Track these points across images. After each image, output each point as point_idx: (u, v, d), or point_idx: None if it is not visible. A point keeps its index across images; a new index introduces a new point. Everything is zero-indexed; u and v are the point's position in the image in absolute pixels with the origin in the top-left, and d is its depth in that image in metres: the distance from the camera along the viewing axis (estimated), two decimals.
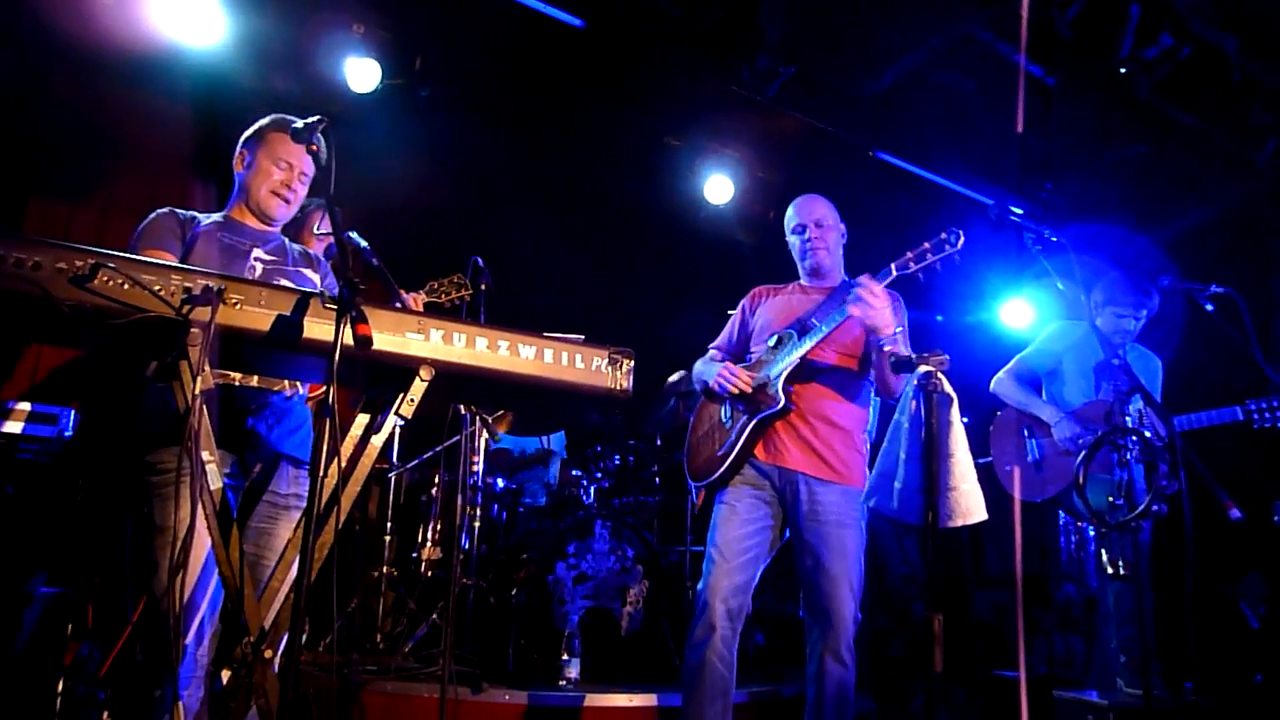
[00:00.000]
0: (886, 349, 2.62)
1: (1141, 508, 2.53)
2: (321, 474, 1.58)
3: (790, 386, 2.80)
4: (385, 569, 4.13)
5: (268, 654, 1.67)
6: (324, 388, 1.57)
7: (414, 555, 4.30)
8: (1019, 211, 5.14)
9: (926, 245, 2.66)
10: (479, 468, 4.16)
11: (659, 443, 4.85)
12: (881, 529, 4.39)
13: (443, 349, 1.75)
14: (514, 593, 3.89)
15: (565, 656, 3.64)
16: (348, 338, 1.57)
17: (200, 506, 1.64)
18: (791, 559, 2.80)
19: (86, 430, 3.24)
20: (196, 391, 1.58)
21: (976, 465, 2.34)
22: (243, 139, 2.52)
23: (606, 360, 1.88)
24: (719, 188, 5.58)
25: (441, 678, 2.94)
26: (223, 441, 2.16)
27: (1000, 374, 3.96)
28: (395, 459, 4.42)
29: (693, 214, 5.86)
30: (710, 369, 2.98)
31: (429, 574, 4.22)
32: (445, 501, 4.36)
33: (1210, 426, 3.51)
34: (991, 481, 3.69)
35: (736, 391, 2.85)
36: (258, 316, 1.63)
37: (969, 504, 2.25)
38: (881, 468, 2.43)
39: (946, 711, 4.11)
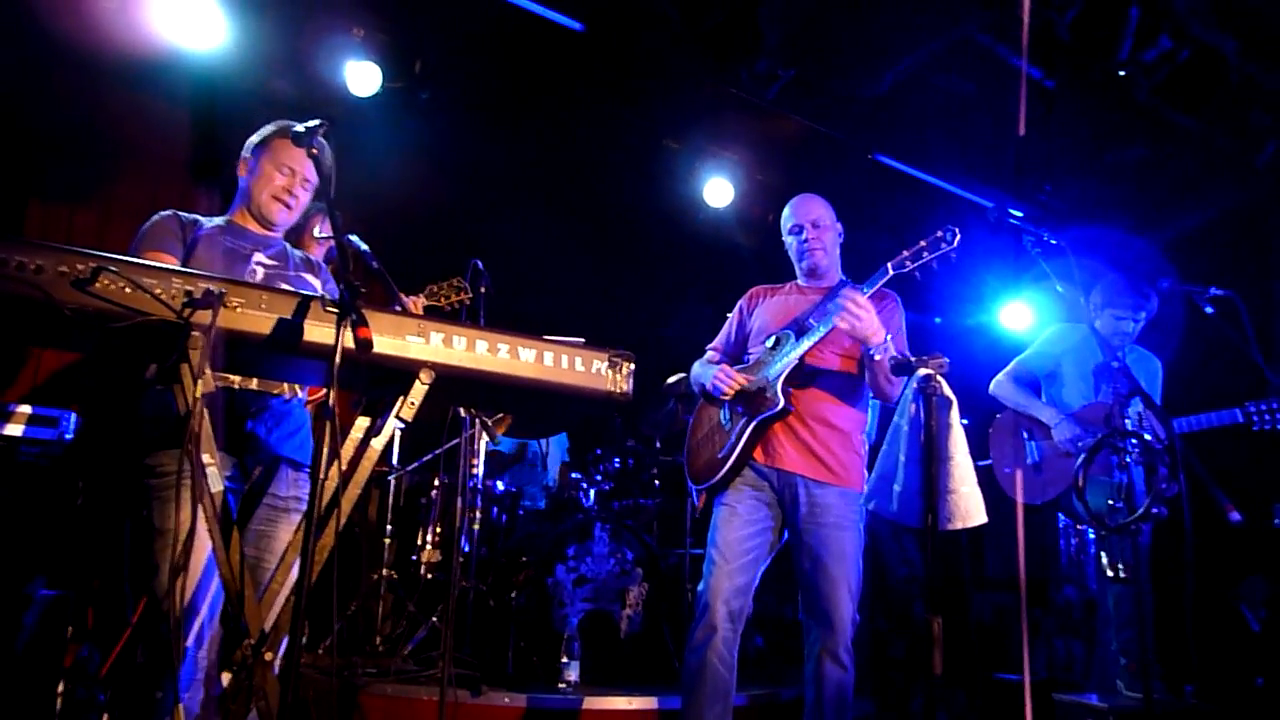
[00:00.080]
0: (877, 358, 2.61)
1: (1141, 510, 2.53)
2: (322, 476, 1.58)
3: (789, 388, 2.80)
4: (385, 571, 4.13)
5: (268, 656, 1.67)
6: (324, 391, 1.58)
7: (414, 558, 4.30)
8: (1018, 214, 5.14)
9: (922, 244, 2.65)
10: (479, 470, 4.16)
11: (658, 445, 4.86)
12: (881, 531, 4.38)
13: (443, 352, 1.75)
14: (513, 595, 3.89)
15: (565, 659, 3.64)
16: (348, 341, 1.58)
17: (201, 509, 1.64)
18: (791, 561, 2.80)
19: (87, 433, 3.25)
20: (198, 394, 1.58)
21: (976, 468, 2.34)
22: (248, 145, 2.52)
23: (606, 363, 1.89)
24: (718, 190, 5.58)
25: (441, 680, 2.94)
26: (222, 444, 2.16)
27: (999, 376, 3.97)
28: (395, 462, 4.42)
29: (692, 216, 5.86)
30: (708, 371, 2.98)
31: (429, 576, 4.22)
32: (445, 504, 4.36)
33: (1210, 429, 3.51)
34: (991, 484, 3.69)
35: (733, 394, 2.86)
36: (259, 320, 1.63)
37: (969, 507, 2.26)
38: (881, 470, 2.43)
39: (946, 714, 4.11)
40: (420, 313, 2.64)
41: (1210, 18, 4.05)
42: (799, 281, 3.11)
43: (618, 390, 1.88)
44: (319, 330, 1.66)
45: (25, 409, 3.12)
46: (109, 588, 3.25)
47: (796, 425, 2.80)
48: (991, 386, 3.96)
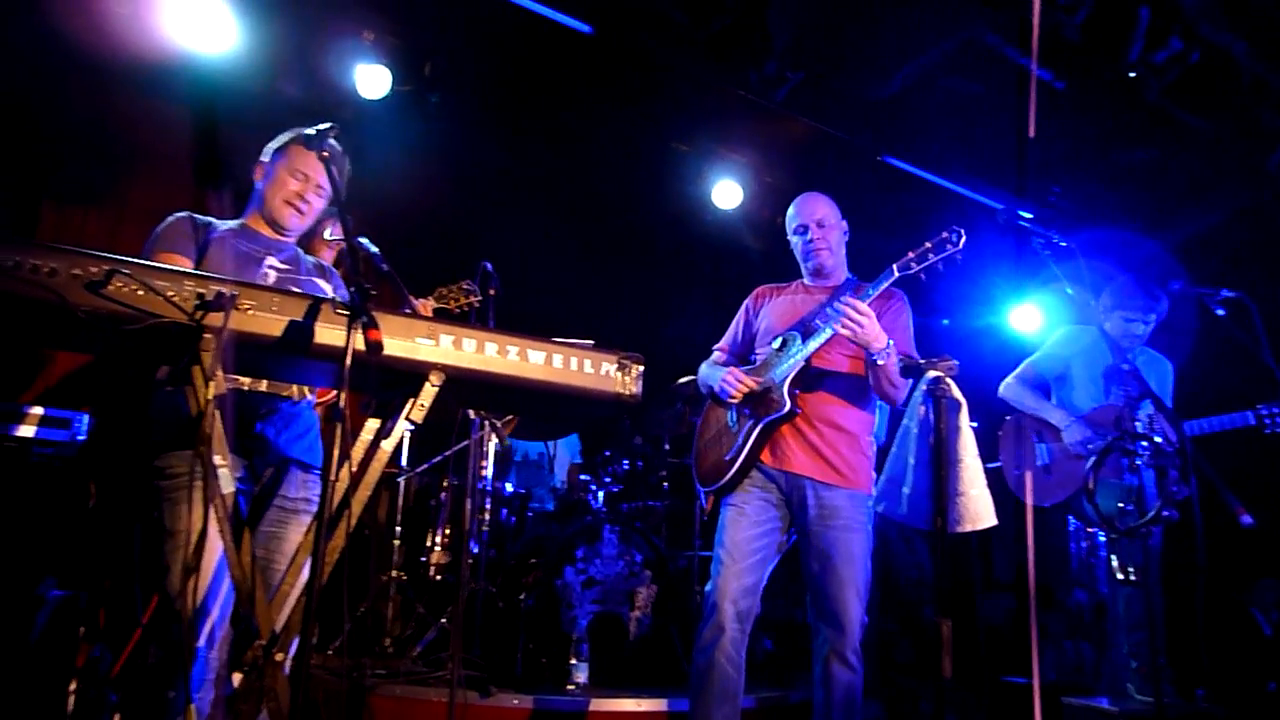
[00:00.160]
0: (880, 363, 2.58)
1: (1152, 513, 2.52)
2: (332, 478, 1.59)
3: (795, 391, 2.79)
4: (394, 573, 4.15)
5: (279, 657, 1.68)
6: (333, 393, 1.58)
7: (423, 559, 4.31)
8: (1028, 216, 5.12)
9: (928, 245, 2.62)
10: (488, 472, 4.17)
11: (667, 447, 4.85)
12: (890, 533, 4.37)
13: (453, 354, 1.76)
14: (522, 597, 3.89)
15: (573, 661, 3.65)
16: (359, 343, 1.59)
17: (212, 511, 1.65)
18: (800, 564, 2.80)
19: (100, 434, 3.27)
20: (209, 396, 1.60)
21: (985, 470, 2.33)
22: (266, 150, 2.54)
23: (616, 365, 1.89)
24: (727, 193, 5.58)
25: (450, 682, 2.95)
26: (232, 446, 2.17)
27: (1009, 379, 3.95)
28: (405, 463, 4.43)
29: (700, 219, 5.87)
30: (715, 373, 2.97)
31: (438, 578, 4.23)
32: (454, 506, 4.37)
33: (1221, 431, 3.49)
34: (1001, 486, 3.67)
35: (741, 397, 2.86)
36: (270, 322, 1.64)
37: (978, 509, 2.25)
38: (890, 473, 2.42)
39: (955, 716, 4.09)
40: (430, 315, 2.65)
41: (1221, 19, 4.03)
42: (805, 281, 3.09)
43: (627, 392, 1.89)
44: (330, 332, 1.67)
45: (38, 410, 3.15)
46: (121, 588, 3.27)
47: (804, 427, 2.79)
48: (1001, 389, 3.95)
